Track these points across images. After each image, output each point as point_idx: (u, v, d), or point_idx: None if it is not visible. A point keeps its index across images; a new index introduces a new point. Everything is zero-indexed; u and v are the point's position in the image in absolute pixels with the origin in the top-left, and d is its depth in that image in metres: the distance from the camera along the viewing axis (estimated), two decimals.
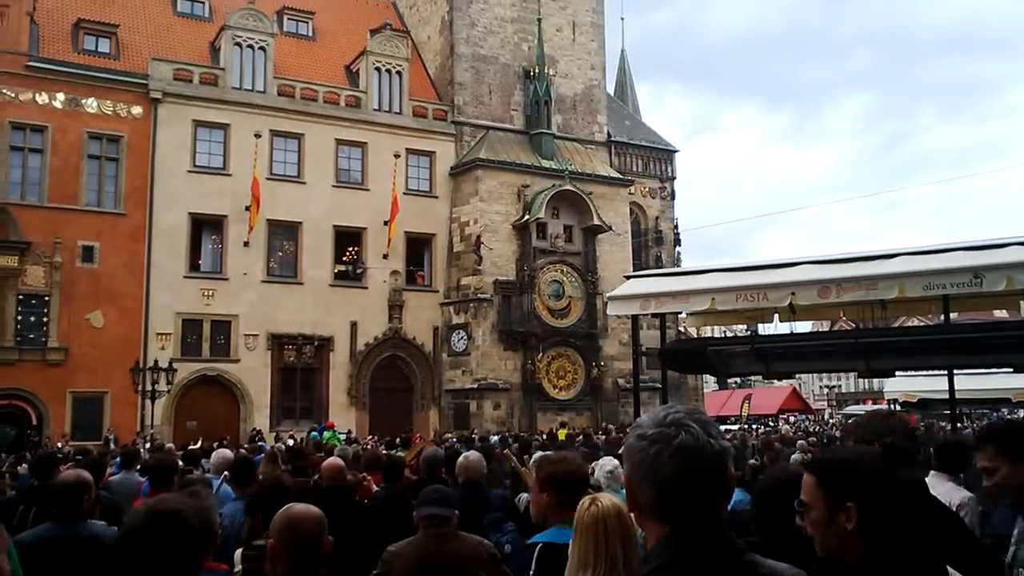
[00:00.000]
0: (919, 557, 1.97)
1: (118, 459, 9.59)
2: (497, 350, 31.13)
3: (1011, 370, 12.63)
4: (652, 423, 1.60)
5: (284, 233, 30.26)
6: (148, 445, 17.53)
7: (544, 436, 21.38)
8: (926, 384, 18.28)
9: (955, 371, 10.44)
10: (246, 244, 28.96)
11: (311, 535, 2.85)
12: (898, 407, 23.21)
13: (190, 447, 14.89)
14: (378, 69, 32.42)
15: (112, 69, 28.32)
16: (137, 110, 28.23)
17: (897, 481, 2.16)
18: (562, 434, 21.60)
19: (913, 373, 17.57)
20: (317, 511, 2.98)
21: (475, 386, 30.72)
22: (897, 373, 16.49)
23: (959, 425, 22.59)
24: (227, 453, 7.94)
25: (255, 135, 29.12)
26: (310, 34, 34.22)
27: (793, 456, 13.18)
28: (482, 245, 30.89)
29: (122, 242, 27.33)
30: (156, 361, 25.60)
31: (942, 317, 9.60)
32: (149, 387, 24.91)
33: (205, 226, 29.32)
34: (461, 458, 6.73)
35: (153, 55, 29.13)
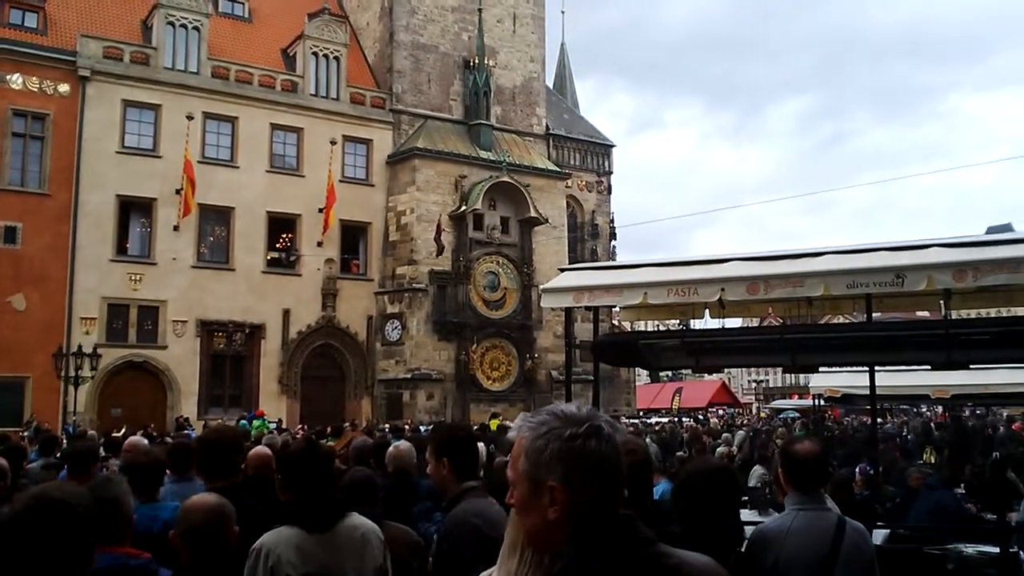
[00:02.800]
0: None
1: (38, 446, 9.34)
2: (431, 340, 31.07)
3: (929, 368, 13.03)
4: (575, 420, 1.60)
5: (216, 218, 29.73)
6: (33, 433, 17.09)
7: (476, 427, 21.41)
8: (849, 380, 18.71)
9: (876, 368, 10.72)
10: (176, 228, 28.38)
11: (201, 525, 2.89)
12: (822, 402, 23.81)
13: (113, 435, 14.57)
14: (315, 54, 32.01)
15: (39, 45, 27.43)
16: (64, 88, 27.40)
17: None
18: (494, 424, 21.66)
19: (837, 369, 18.02)
20: (212, 502, 2.99)
21: (409, 376, 30.62)
22: (821, 369, 16.90)
23: (879, 420, 23.27)
24: (143, 441, 7.78)
25: (187, 117, 28.52)
26: (246, 15, 33.61)
27: (719, 449, 13.46)
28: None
29: (46, 223, 26.53)
30: (80, 346, 24.93)
31: (865, 315, 9.85)
32: (72, 373, 24.25)
33: (133, 209, 28.63)
34: (391, 447, 6.69)
35: (82, 31, 28.29)
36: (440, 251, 30.79)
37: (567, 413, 1.60)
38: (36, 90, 27.04)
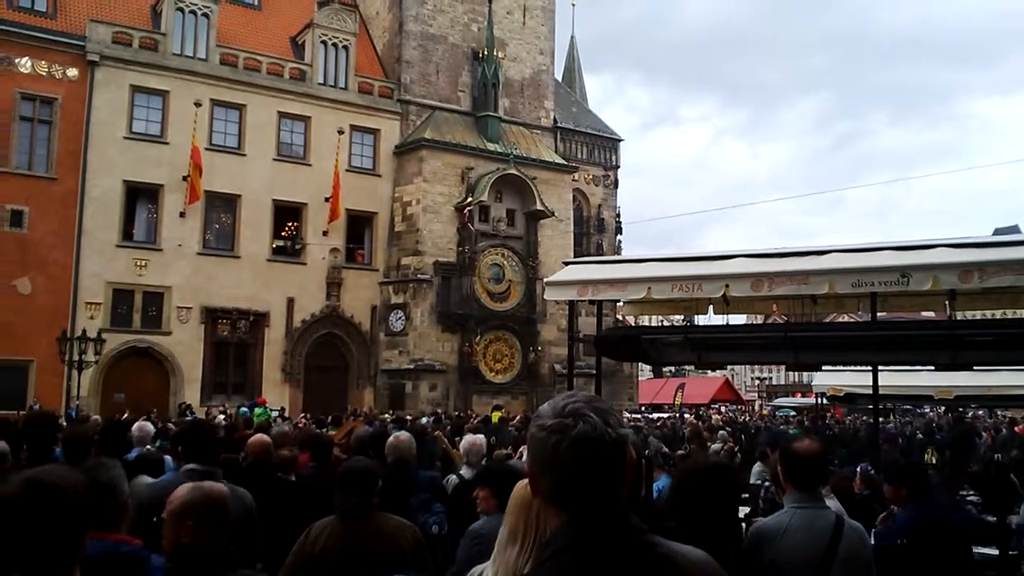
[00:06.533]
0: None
1: None
2: (435, 331, 31.06)
3: (933, 368, 13.00)
4: (551, 413, 1.63)
5: (222, 205, 29.73)
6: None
7: (479, 419, 21.43)
8: (853, 379, 18.69)
9: (880, 367, 10.70)
10: (182, 215, 28.39)
11: (200, 511, 2.83)
12: (825, 400, 23.78)
13: (116, 419, 14.57)
14: (324, 42, 31.95)
15: (48, 29, 27.43)
16: (73, 72, 27.40)
17: None
18: (496, 417, 21.68)
19: (840, 368, 17.99)
20: (211, 488, 2.95)
21: (411, 367, 30.62)
22: (825, 367, 16.86)
23: (881, 420, 23.22)
24: (148, 426, 7.79)
25: (195, 104, 28.50)
26: (255, 3, 33.52)
27: (713, 446, 13.42)
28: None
29: (53, 207, 26.56)
30: (84, 331, 24.88)
31: (870, 315, 9.83)
32: (76, 357, 24.26)
33: (140, 195, 28.66)
34: (391, 438, 6.69)
35: (92, 16, 28.26)
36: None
37: (558, 405, 1.64)
38: (45, 74, 27.05)
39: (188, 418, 19.00)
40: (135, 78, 28.23)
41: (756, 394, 75.44)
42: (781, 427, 26.73)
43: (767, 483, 6.74)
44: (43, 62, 27.03)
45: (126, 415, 17.40)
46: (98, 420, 14.17)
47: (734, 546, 3.21)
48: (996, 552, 6.20)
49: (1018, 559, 6.22)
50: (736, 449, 14.28)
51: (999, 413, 34.40)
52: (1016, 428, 21.72)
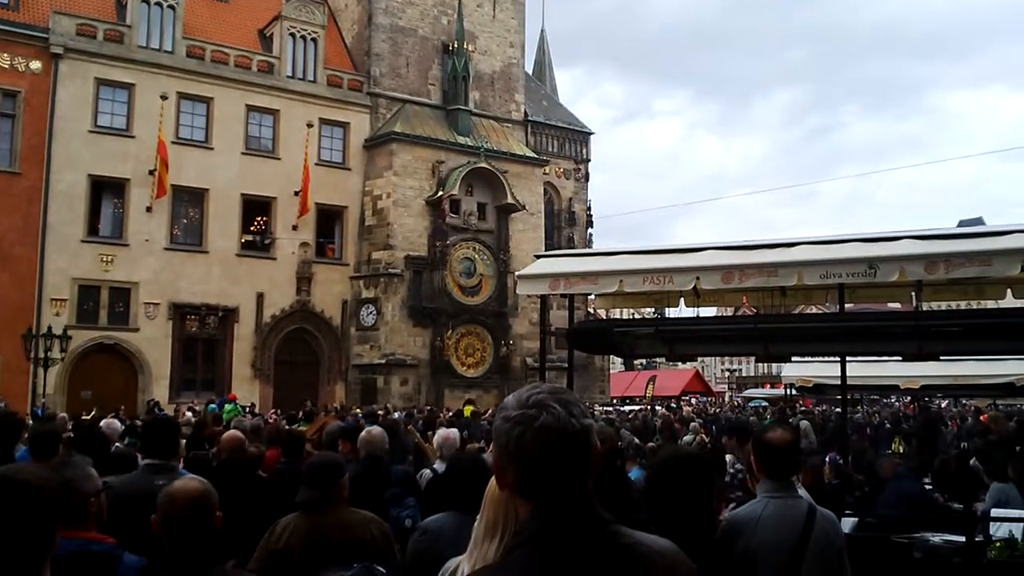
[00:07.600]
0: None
1: None
2: (406, 326, 30.98)
3: (900, 359, 13.15)
4: (516, 405, 1.63)
5: (189, 200, 29.42)
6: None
7: (451, 413, 21.43)
8: (821, 370, 18.88)
9: (847, 358, 10.81)
10: (149, 209, 28.06)
11: (183, 512, 2.78)
12: (794, 391, 24.02)
13: (83, 417, 14.42)
14: (293, 35, 31.68)
15: (10, 21, 26.94)
16: (36, 65, 26.95)
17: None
18: (468, 411, 21.67)
19: (809, 359, 18.17)
20: (197, 488, 2.90)
21: (383, 361, 30.53)
22: (793, 358, 17.03)
23: (849, 410, 23.46)
24: (115, 424, 7.71)
25: (161, 97, 28.17)
26: None
27: (685, 437, 13.52)
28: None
29: (16, 203, 26.14)
30: (50, 328, 24.56)
31: (838, 306, 9.93)
32: (42, 355, 23.93)
33: (105, 189, 28.27)
34: (364, 432, 6.69)
35: (55, 8, 27.81)
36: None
37: (522, 396, 1.65)
38: (7, 67, 26.58)
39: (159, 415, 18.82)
40: (100, 71, 27.84)
41: (726, 386, 76.09)
42: (751, 417, 26.95)
43: (738, 465, 6.81)
44: (5, 55, 26.57)
45: (93, 413, 17.21)
46: (65, 417, 14.01)
47: (708, 536, 3.23)
48: (962, 539, 6.29)
49: (984, 545, 6.31)
50: (707, 441, 14.38)
51: (964, 402, 34.92)
52: (981, 417, 22.02)
